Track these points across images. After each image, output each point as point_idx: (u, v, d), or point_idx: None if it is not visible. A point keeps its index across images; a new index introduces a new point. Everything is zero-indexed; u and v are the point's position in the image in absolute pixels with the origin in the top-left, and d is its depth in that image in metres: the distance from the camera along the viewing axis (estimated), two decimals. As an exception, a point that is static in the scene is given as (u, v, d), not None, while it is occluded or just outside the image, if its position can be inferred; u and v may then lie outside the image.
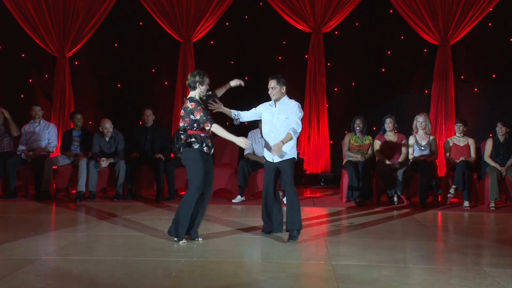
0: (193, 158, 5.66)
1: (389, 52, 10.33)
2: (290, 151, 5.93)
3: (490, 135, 8.66)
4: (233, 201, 8.40)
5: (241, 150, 9.11)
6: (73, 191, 8.80)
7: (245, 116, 6.23)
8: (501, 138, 8.33)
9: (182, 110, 5.77)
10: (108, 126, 8.62)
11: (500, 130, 8.32)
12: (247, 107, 10.48)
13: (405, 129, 8.86)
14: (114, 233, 6.20)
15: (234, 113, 6.19)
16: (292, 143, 5.93)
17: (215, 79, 10.44)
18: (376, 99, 10.21)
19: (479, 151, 8.62)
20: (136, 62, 10.47)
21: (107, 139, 8.66)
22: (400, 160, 8.39)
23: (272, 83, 6.00)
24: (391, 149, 8.52)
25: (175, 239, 5.69)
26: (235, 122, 6.25)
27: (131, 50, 10.48)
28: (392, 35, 10.29)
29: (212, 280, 4.54)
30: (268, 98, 6.17)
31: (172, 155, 8.85)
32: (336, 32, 10.30)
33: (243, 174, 8.43)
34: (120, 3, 10.17)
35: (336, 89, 10.37)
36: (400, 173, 8.23)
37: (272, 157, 5.99)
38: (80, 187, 8.38)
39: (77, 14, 10.11)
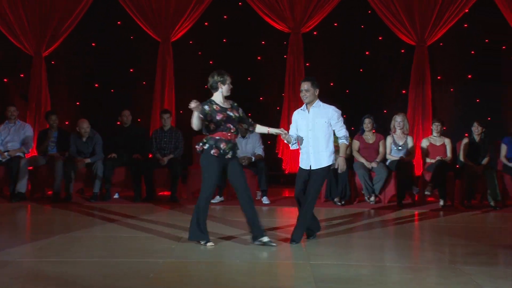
0: (203, 165, 5.54)
1: (367, 53, 10.41)
2: (329, 157, 5.78)
3: (466, 134, 8.78)
4: (212, 201, 8.36)
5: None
6: (49, 192, 8.68)
7: (295, 135, 5.97)
8: (477, 138, 8.44)
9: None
10: (85, 126, 8.53)
11: (476, 129, 8.42)
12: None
13: (383, 129, 8.93)
14: (91, 234, 6.13)
15: (293, 137, 5.92)
16: (331, 151, 5.80)
17: (194, 78, 10.53)
18: (354, 99, 10.28)
19: (455, 151, 8.73)
20: (114, 61, 10.39)
21: (84, 139, 8.57)
22: (378, 160, 8.45)
23: (306, 85, 5.79)
24: (369, 149, 8.58)
25: (201, 242, 5.59)
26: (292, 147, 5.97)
27: (109, 49, 10.39)
28: (370, 36, 10.38)
29: (191, 280, 4.52)
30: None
31: (150, 156, 8.79)
32: (315, 33, 10.35)
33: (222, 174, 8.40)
34: (98, 2, 10.07)
35: (315, 89, 10.39)
36: (377, 173, 8.30)
37: (309, 164, 5.80)
38: (56, 188, 8.29)
39: (54, 13, 9.99)
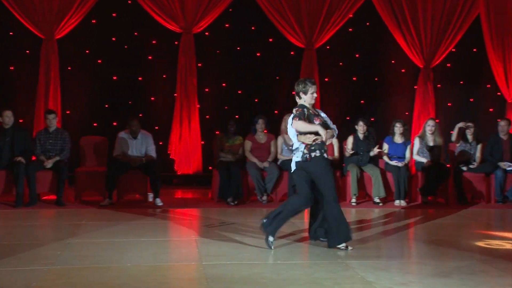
0: (321, 171, 5.69)
1: (258, 54, 10.58)
2: None
3: (352, 134, 9.17)
4: (101, 204, 8.08)
5: (110, 151, 8.77)
6: None
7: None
8: (361, 136, 8.85)
9: None
10: None
11: (362, 128, 8.83)
12: (114, 107, 10.18)
13: (274, 130, 9.10)
14: (-33, 244, 5.69)
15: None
16: None
17: (81, 77, 10.12)
18: (246, 100, 10.42)
19: (342, 149, 9.09)
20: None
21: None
22: (269, 159, 8.60)
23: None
24: (261, 149, 8.70)
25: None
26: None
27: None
28: (261, 38, 10.56)
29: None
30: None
31: (33, 158, 8.32)
32: (206, 33, 10.34)
33: (111, 176, 8.15)
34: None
35: (207, 89, 10.40)
36: (269, 173, 8.45)
37: None
38: None
39: None
